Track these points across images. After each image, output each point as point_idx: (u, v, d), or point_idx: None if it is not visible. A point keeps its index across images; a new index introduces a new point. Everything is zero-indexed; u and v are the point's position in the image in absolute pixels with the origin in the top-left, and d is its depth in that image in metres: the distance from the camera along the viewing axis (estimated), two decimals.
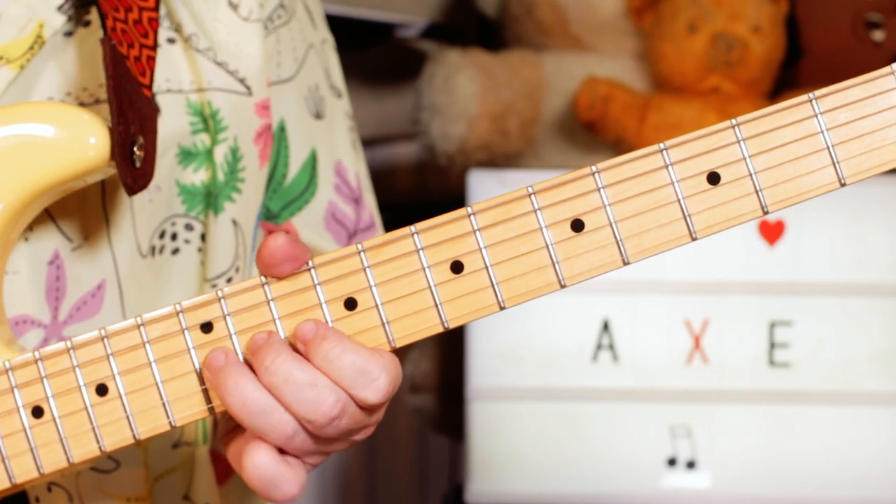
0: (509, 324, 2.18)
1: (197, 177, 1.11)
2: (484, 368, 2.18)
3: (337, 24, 2.42)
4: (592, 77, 2.25)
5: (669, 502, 2.17)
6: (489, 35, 2.57)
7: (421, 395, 2.40)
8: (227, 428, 0.97)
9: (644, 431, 2.18)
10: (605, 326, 2.18)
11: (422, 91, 2.33)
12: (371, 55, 2.62)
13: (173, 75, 1.09)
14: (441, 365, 2.38)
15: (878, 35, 2.28)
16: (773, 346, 2.17)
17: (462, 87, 2.30)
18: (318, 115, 1.21)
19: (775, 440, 2.17)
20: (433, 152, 2.35)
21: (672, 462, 2.18)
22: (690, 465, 2.18)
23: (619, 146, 2.27)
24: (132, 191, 0.99)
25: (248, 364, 0.92)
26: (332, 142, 1.23)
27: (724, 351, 2.17)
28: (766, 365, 2.17)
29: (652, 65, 2.34)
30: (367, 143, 2.73)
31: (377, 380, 0.92)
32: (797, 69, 2.36)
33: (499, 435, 2.18)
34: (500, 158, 2.37)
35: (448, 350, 2.36)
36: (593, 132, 2.26)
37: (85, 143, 0.98)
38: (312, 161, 1.20)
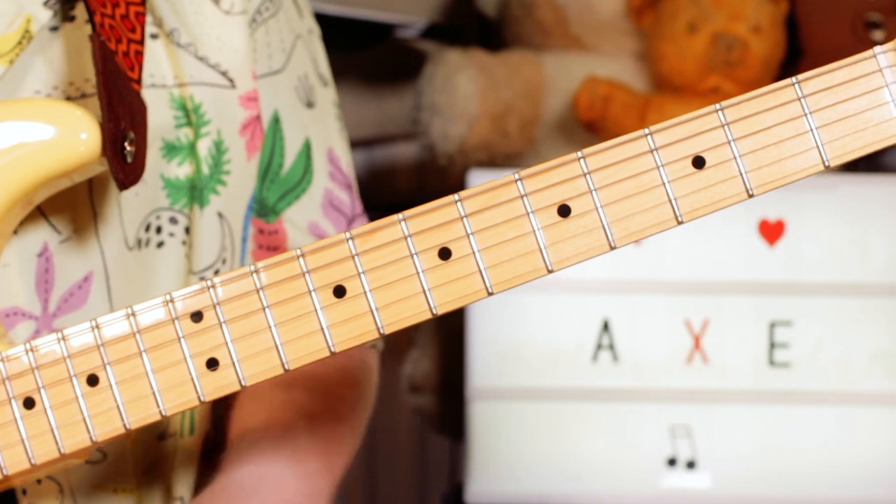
0: (509, 324, 2.18)
1: (181, 170, 1.11)
2: (484, 368, 2.18)
3: (337, 24, 2.44)
4: (592, 77, 2.25)
5: (669, 502, 2.17)
6: (489, 35, 2.57)
7: (421, 395, 2.40)
8: None
9: (644, 431, 2.17)
10: (605, 326, 2.18)
11: (422, 91, 2.33)
12: (371, 55, 2.62)
13: (156, 70, 1.10)
14: (441, 365, 2.38)
15: (878, 35, 2.27)
16: (773, 346, 2.16)
17: (462, 87, 2.30)
18: (310, 104, 1.21)
19: (775, 440, 2.16)
20: (433, 152, 2.35)
21: (672, 462, 2.17)
22: (690, 465, 2.17)
23: None
24: (123, 186, 0.99)
25: None
26: (324, 130, 1.23)
27: (724, 351, 2.17)
28: (766, 365, 2.17)
29: (652, 65, 2.34)
30: (367, 143, 2.75)
31: None
32: (797, 69, 2.36)
33: (499, 435, 2.18)
34: (500, 158, 2.37)
35: (448, 350, 2.36)
36: (593, 132, 2.26)
37: (76, 138, 0.98)
38: (307, 150, 1.21)
